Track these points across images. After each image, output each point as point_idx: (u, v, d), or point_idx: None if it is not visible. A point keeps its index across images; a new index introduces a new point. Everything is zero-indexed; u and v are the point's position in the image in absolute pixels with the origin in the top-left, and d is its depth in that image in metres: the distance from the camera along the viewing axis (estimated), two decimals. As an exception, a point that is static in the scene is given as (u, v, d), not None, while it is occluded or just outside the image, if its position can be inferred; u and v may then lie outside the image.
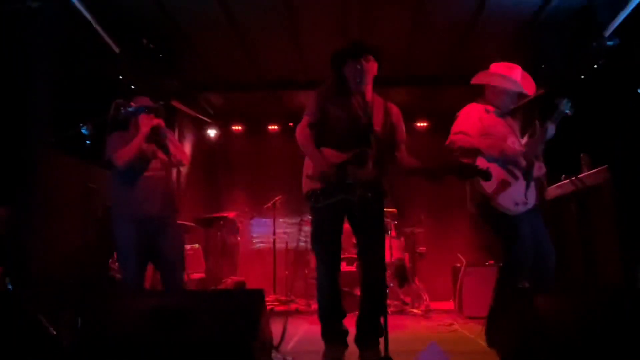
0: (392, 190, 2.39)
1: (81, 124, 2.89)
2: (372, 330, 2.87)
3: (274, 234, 6.45)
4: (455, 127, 3.28)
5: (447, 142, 3.28)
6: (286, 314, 4.62)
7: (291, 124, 7.18)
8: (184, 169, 5.90)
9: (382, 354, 2.67)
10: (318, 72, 5.70)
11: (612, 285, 3.89)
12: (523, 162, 3.18)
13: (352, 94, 3.01)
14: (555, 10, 4.32)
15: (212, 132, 7.22)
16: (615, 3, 4.02)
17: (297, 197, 6.58)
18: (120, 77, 4.68)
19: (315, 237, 2.99)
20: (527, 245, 3.14)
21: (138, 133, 3.31)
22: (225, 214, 6.45)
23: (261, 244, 7.12)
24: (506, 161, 3.16)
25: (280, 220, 6.53)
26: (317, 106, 3.01)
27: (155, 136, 3.35)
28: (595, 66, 4.41)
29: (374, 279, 2.89)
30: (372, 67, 2.94)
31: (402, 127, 3.09)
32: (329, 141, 2.98)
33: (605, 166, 4.29)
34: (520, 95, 3.46)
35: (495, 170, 3.13)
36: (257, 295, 2.16)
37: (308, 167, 3.01)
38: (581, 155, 4.87)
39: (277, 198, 6.36)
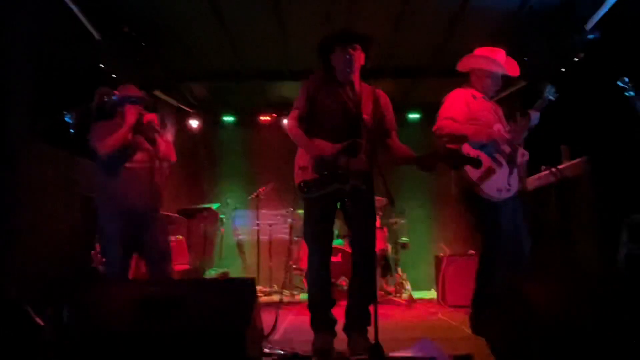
0: (384, 179, 2.39)
1: (65, 112, 2.81)
2: (362, 318, 2.88)
3: (257, 225, 6.43)
4: (443, 112, 3.29)
5: (434, 128, 3.29)
6: (277, 305, 4.64)
7: (275, 114, 7.16)
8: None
9: (371, 341, 2.72)
10: (303, 62, 5.67)
11: (595, 270, 3.98)
12: (508, 149, 3.23)
13: (340, 83, 3.01)
14: (538, 3, 4.39)
15: (194, 123, 7.14)
16: (596, -5, 4.10)
17: (280, 189, 6.66)
18: (101, 65, 4.57)
19: (308, 226, 3.00)
20: (506, 233, 3.20)
21: (124, 122, 3.25)
22: (208, 205, 6.40)
23: (244, 236, 7.08)
24: (492, 148, 3.20)
25: (263, 211, 6.50)
26: (306, 98, 3.00)
27: (144, 129, 3.30)
28: (576, 59, 4.48)
29: (365, 268, 2.91)
30: (359, 56, 2.94)
31: (392, 114, 3.09)
32: (319, 132, 2.97)
33: (584, 157, 4.39)
34: (508, 80, 3.51)
35: (481, 156, 3.16)
36: (249, 284, 2.15)
37: (300, 158, 3.00)
38: (561, 146, 4.98)
39: (260, 189, 6.34)
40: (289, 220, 6.14)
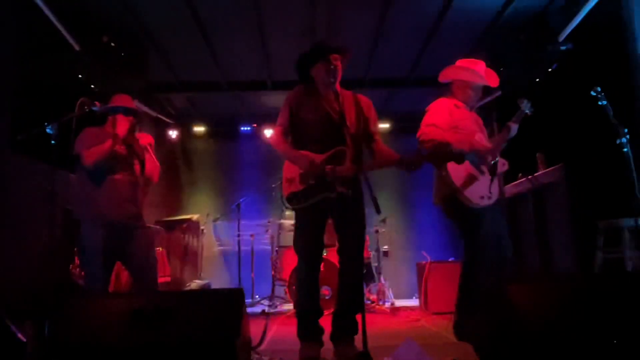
0: (370, 185, 2.42)
1: (46, 123, 2.77)
2: (348, 327, 2.90)
3: (238, 236, 6.39)
4: (427, 119, 3.35)
5: (418, 134, 3.33)
6: (265, 315, 4.61)
7: (255, 125, 7.16)
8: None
9: (357, 350, 2.73)
10: (284, 73, 5.72)
11: (573, 272, 4.08)
12: (490, 158, 3.31)
13: (322, 94, 3.05)
14: (513, 16, 4.52)
15: (173, 133, 7.09)
16: (568, 10, 4.24)
17: (261, 199, 6.65)
18: (80, 75, 4.51)
19: (298, 236, 3.00)
20: (489, 240, 3.26)
21: (113, 132, 3.21)
22: (188, 217, 6.34)
23: (225, 247, 7.03)
24: (474, 156, 3.27)
25: (244, 222, 6.46)
26: (288, 115, 3.05)
27: (136, 145, 3.30)
28: (550, 69, 4.62)
29: (353, 277, 2.93)
30: (340, 66, 2.98)
31: (375, 118, 3.13)
32: (305, 144, 3.01)
33: (560, 164, 4.52)
34: (485, 90, 3.59)
35: (464, 164, 3.23)
36: (238, 294, 2.15)
37: (287, 171, 3.03)
38: (537, 154, 5.12)
39: (241, 200, 6.31)
40: (270, 230, 6.13)
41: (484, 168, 3.32)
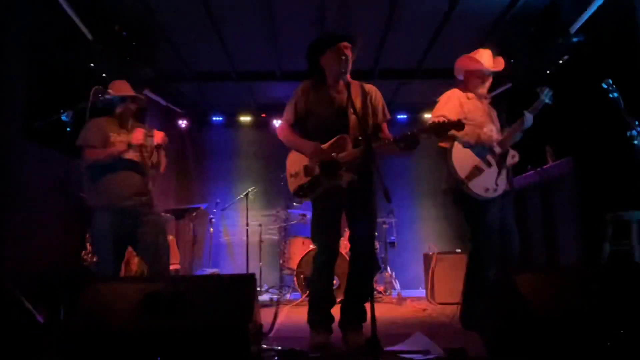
0: (380, 174, 2.44)
1: (62, 111, 2.82)
2: (358, 315, 2.94)
3: (247, 225, 6.43)
4: (437, 110, 3.37)
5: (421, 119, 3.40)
6: (275, 303, 4.66)
7: (264, 115, 7.19)
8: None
9: (366, 338, 2.77)
10: (293, 64, 5.74)
11: (580, 263, 4.09)
12: (499, 150, 3.31)
13: (330, 86, 3.06)
14: (524, 7, 4.49)
15: (183, 123, 7.13)
16: (580, 2, 4.22)
17: (270, 189, 6.69)
18: (92, 64, 4.55)
19: (315, 227, 3.04)
20: (494, 232, 3.28)
21: (118, 123, 3.26)
22: (197, 205, 6.40)
23: (234, 236, 7.09)
24: (482, 148, 3.28)
25: (253, 212, 6.50)
26: (294, 112, 3.08)
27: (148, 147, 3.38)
28: (561, 61, 4.60)
29: (363, 266, 2.96)
30: (350, 55, 3.00)
31: (383, 108, 3.13)
32: (311, 134, 3.03)
33: (569, 157, 4.51)
34: (496, 80, 3.59)
35: (470, 156, 3.27)
36: (249, 280, 2.19)
37: (291, 166, 3.07)
38: (546, 146, 5.11)
39: (250, 189, 6.35)
40: (278, 220, 6.17)
41: (492, 160, 3.33)
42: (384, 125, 3.14)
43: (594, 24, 4.23)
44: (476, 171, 3.26)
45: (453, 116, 3.25)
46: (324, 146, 2.93)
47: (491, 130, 3.35)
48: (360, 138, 2.94)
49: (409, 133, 2.79)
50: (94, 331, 2.00)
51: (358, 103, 3.03)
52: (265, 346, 2.56)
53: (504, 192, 3.37)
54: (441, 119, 3.17)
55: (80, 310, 2.06)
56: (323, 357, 2.59)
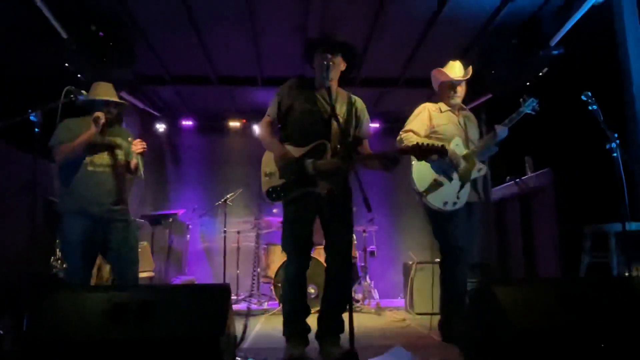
0: (361, 183, 2.39)
1: (30, 111, 2.69)
2: (335, 326, 2.87)
3: (224, 232, 6.32)
4: (406, 124, 3.45)
5: (397, 138, 3.44)
6: (246, 313, 4.57)
7: (244, 120, 7.10)
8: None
9: (343, 349, 2.70)
10: (274, 70, 5.67)
11: (560, 276, 4.09)
12: (463, 164, 3.33)
13: (316, 88, 3.02)
14: (505, 19, 4.51)
15: (160, 127, 6.99)
16: (560, 14, 4.26)
17: (248, 196, 6.58)
18: (67, 64, 4.42)
19: (286, 233, 2.96)
20: (459, 242, 3.30)
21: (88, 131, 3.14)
22: (174, 212, 6.26)
23: (210, 243, 6.96)
24: (443, 162, 3.30)
25: (231, 219, 6.39)
26: (278, 105, 3.03)
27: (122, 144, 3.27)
28: (540, 73, 4.64)
29: (340, 275, 2.89)
30: (339, 63, 2.95)
31: (367, 121, 3.12)
32: (290, 137, 2.98)
33: (548, 168, 4.54)
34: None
35: (429, 170, 3.35)
36: (223, 290, 2.11)
37: (266, 165, 2.99)
38: (525, 157, 5.14)
39: (227, 195, 6.24)
40: (256, 228, 6.07)
41: (454, 174, 3.35)
42: (365, 141, 3.11)
43: (574, 37, 4.27)
44: (435, 184, 3.32)
45: (421, 131, 3.38)
46: (302, 151, 2.87)
47: (457, 145, 3.37)
48: (339, 147, 2.91)
49: (390, 154, 2.79)
50: (58, 341, 1.90)
51: (342, 112, 2.99)
52: (238, 358, 2.48)
53: (471, 203, 3.38)
54: (412, 136, 3.23)
55: (44, 319, 1.95)
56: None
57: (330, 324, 2.89)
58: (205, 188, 7.03)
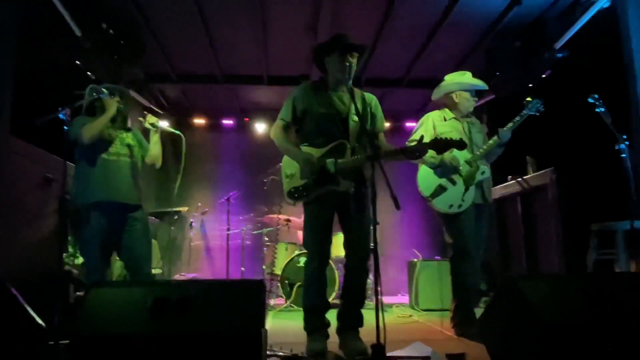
0: (387, 179, 2.47)
1: (59, 108, 2.73)
2: (354, 320, 2.95)
3: (228, 230, 6.36)
4: (413, 134, 3.60)
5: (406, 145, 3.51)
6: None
7: (247, 119, 7.14)
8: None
9: (363, 343, 2.79)
10: (280, 69, 5.73)
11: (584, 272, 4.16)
12: (466, 168, 3.48)
13: (330, 88, 3.08)
14: (511, 22, 4.61)
15: (164, 124, 6.96)
16: (566, 18, 4.37)
17: (251, 193, 6.62)
18: (78, 62, 4.43)
19: (308, 232, 3.02)
20: (469, 240, 3.44)
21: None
22: (178, 209, 6.28)
23: (214, 240, 6.99)
24: (447, 167, 3.47)
25: (235, 216, 6.43)
26: (291, 110, 3.07)
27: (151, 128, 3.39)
28: (544, 76, 4.75)
29: (360, 272, 2.98)
30: (356, 64, 3.02)
31: (381, 116, 3.19)
32: (308, 139, 3.04)
33: (551, 168, 4.66)
34: (478, 93, 3.75)
35: (433, 176, 3.53)
36: (259, 285, 2.17)
37: (287, 166, 3.06)
38: (527, 157, 5.26)
39: (231, 193, 6.28)
40: (261, 225, 6.12)
41: (458, 179, 3.49)
42: (382, 135, 3.19)
43: (578, 41, 4.39)
44: (440, 189, 3.48)
45: (426, 138, 3.41)
46: (321, 151, 2.94)
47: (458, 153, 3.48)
48: (357, 145, 2.98)
49: (411, 148, 2.88)
50: (102, 335, 1.94)
51: (358, 109, 3.05)
52: (268, 352, 2.54)
53: (476, 205, 3.50)
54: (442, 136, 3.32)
55: (86, 314, 1.99)
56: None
57: (351, 319, 2.96)
58: (209, 185, 7.07)
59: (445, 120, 3.61)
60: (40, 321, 2.02)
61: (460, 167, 3.48)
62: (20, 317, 1.97)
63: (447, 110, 3.66)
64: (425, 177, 3.55)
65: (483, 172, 3.51)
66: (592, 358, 1.98)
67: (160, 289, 2.09)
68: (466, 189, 3.47)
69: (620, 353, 1.98)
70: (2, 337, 1.91)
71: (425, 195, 3.52)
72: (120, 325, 1.97)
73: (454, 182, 3.48)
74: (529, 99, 3.46)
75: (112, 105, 3.23)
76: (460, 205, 3.44)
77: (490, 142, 3.51)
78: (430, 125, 3.59)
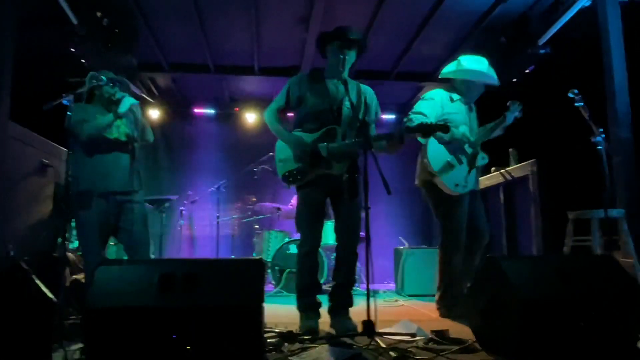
0: (378, 165, 2.62)
1: (63, 95, 2.81)
2: (345, 300, 3.11)
3: (217, 218, 6.45)
4: (417, 107, 3.60)
5: (404, 119, 3.57)
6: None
7: (237, 108, 7.22)
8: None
9: (353, 322, 2.94)
10: (272, 60, 5.82)
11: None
12: (470, 150, 3.58)
13: (327, 78, 3.20)
14: (497, 18, 4.78)
15: (154, 113, 7.05)
16: (548, 16, 4.55)
17: (242, 182, 6.72)
18: (73, 49, 4.48)
19: (301, 214, 3.15)
20: (462, 226, 3.55)
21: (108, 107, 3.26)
22: (168, 197, 6.35)
23: (204, 229, 7.08)
24: (455, 146, 3.54)
25: (225, 204, 6.53)
26: (286, 96, 3.19)
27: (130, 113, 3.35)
28: (527, 71, 4.93)
29: (350, 254, 3.13)
30: (352, 57, 3.15)
31: (375, 107, 3.31)
32: (302, 124, 3.17)
33: (532, 159, 4.85)
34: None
35: (444, 151, 3.54)
36: (259, 263, 2.29)
37: (280, 152, 3.18)
38: (510, 149, 5.44)
39: (221, 182, 6.36)
40: (252, 213, 6.23)
41: (463, 159, 3.59)
42: (372, 125, 3.30)
43: (560, 38, 4.57)
44: (448, 166, 3.52)
45: (431, 116, 3.50)
46: (314, 136, 3.07)
47: (465, 131, 3.59)
48: (348, 131, 3.11)
49: (396, 133, 2.98)
50: (113, 308, 2.04)
51: (352, 98, 3.18)
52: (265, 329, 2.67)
53: (472, 191, 3.63)
54: (421, 118, 3.41)
55: (97, 289, 2.10)
56: (325, 339, 2.71)
57: (342, 299, 3.11)
58: (199, 174, 7.14)
59: (452, 100, 3.64)
60: (51, 296, 2.12)
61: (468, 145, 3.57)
62: (33, 292, 2.07)
63: (454, 92, 3.69)
64: (437, 152, 3.53)
65: (483, 158, 3.64)
66: (566, 332, 2.16)
67: (166, 265, 2.21)
68: (469, 171, 3.56)
69: (591, 327, 2.16)
70: (18, 310, 2.01)
71: (435, 170, 3.48)
72: (130, 299, 2.09)
73: (460, 161, 3.54)
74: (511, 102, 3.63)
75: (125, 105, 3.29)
76: (464, 187, 3.52)
77: (497, 122, 3.67)
78: (438, 103, 3.58)
